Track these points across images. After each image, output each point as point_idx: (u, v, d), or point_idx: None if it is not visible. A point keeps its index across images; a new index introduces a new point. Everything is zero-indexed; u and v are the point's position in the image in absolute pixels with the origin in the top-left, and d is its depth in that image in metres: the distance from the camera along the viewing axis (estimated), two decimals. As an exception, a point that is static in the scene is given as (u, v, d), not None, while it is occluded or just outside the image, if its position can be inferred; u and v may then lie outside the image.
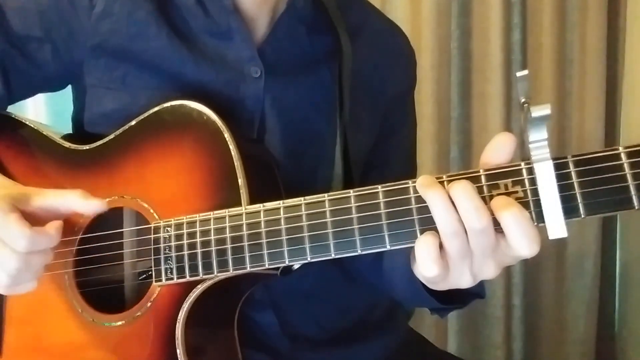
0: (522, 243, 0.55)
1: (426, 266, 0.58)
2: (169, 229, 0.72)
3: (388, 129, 0.94)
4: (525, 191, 0.57)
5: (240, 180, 0.71)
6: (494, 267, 0.59)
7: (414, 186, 0.60)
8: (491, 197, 0.57)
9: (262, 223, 0.67)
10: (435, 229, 0.58)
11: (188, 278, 0.71)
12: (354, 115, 0.86)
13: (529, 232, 0.55)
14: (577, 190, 0.55)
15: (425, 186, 0.58)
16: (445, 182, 0.59)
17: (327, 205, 0.64)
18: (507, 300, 1.86)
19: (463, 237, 0.57)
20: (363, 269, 0.88)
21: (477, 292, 0.71)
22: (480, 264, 0.59)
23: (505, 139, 0.58)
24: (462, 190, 0.56)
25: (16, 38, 0.82)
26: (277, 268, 0.72)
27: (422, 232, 0.60)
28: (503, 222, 0.55)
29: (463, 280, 0.60)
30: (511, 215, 0.55)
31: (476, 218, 0.55)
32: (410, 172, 0.98)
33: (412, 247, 0.60)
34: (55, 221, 0.71)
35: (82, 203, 0.71)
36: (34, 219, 0.70)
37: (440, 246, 0.58)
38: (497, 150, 0.59)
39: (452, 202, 0.57)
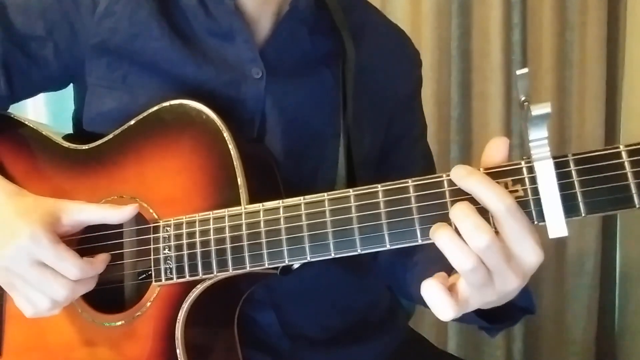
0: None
1: (442, 313, 0.56)
2: (168, 228, 0.72)
3: (399, 133, 0.94)
4: (525, 190, 0.57)
5: (240, 180, 0.71)
6: (515, 279, 0.57)
7: (413, 185, 0.60)
8: None
9: (262, 222, 0.67)
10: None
11: (187, 278, 0.71)
12: (357, 117, 0.86)
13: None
14: (578, 189, 0.55)
15: (431, 231, 0.57)
16: (445, 182, 0.59)
17: (326, 205, 0.64)
18: (507, 300, 1.86)
19: (483, 268, 0.56)
20: (388, 273, 0.88)
21: (525, 306, 0.69)
22: (502, 280, 0.57)
23: (497, 141, 0.59)
24: (460, 211, 0.55)
25: (18, 37, 0.82)
26: (277, 268, 0.72)
27: (421, 232, 0.60)
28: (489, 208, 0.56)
29: (486, 301, 0.59)
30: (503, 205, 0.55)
31: (477, 236, 0.54)
32: (429, 170, 0.97)
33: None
34: (104, 254, 0.75)
35: (113, 217, 0.74)
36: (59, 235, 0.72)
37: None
38: (491, 154, 0.59)
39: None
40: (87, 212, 0.74)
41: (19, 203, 0.73)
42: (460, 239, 0.55)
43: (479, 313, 0.66)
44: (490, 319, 0.68)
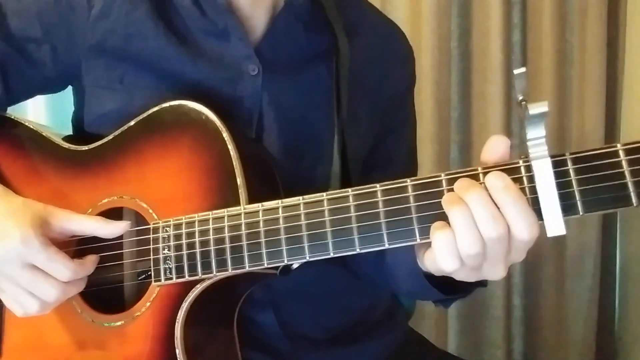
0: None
1: (447, 261, 0.58)
2: (167, 229, 0.72)
3: (388, 128, 0.94)
4: (523, 189, 0.57)
5: (239, 180, 0.71)
6: (504, 271, 0.61)
7: (412, 184, 0.61)
8: None
9: (261, 222, 0.67)
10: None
11: (187, 278, 0.71)
12: (351, 113, 0.87)
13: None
14: (575, 188, 0.56)
15: (448, 203, 0.59)
16: (444, 181, 0.60)
17: (325, 205, 0.64)
18: (507, 300, 1.86)
19: (482, 256, 0.58)
20: (366, 268, 0.88)
21: (479, 280, 0.71)
22: (492, 269, 0.60)
23: (496, 140, 0.60)
24: (478, 197, 0.57)
25: (15, 39, 0.82)
26: (276, 267, 0.72)
27: (420, 231, 0.60)
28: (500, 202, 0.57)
29: (471, 279, 0.62)
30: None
31: (492, 225, 0.56)
32: (412, 170, 0.99)
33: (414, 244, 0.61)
34: (92, 255, 0.76)
35: (103, 230, 0.74)
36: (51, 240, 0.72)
37: None
38: (491, 153, 0.59)
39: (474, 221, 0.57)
40: (76, 222, 0.74)
41: (8, 204, 0.73)
42: (474, 223, 0.57)
43: (434, 283, 0.70)
44: (445, 292, 0.71)
